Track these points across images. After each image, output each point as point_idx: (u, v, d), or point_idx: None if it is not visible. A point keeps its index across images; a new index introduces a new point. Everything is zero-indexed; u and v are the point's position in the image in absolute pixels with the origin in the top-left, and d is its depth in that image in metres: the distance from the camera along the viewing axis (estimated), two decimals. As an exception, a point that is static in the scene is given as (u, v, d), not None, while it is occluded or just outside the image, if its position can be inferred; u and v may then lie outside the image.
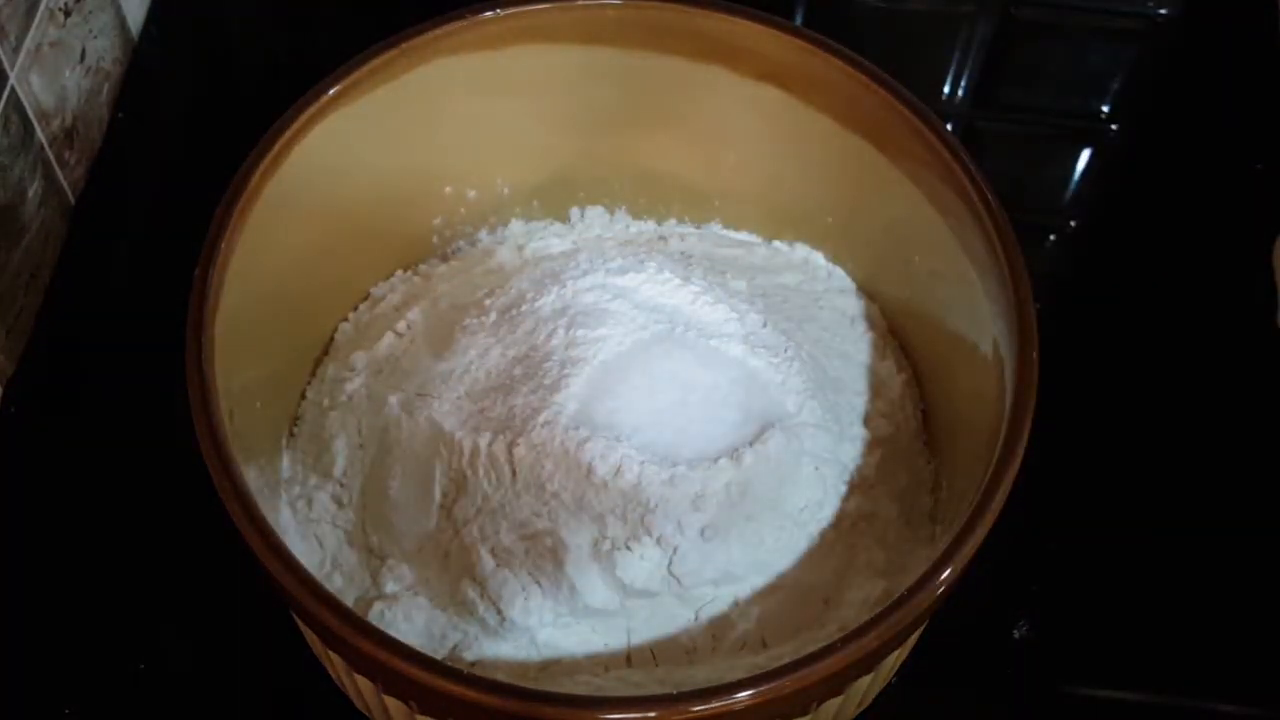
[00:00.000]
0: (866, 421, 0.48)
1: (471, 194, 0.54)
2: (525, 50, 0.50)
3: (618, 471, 0.43)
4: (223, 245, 0.42)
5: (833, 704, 0.39)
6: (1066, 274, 0.60)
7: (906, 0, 0.69)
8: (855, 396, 0.49)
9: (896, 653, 0.41)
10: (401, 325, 0.51)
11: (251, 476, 0.40)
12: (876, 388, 0.50)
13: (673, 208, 0.56)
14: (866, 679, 0.40)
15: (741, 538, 0.43)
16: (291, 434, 0.50)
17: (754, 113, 0.51)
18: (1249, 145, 0.62)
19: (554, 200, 0.55)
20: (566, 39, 0.50)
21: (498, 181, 0.54)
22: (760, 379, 0.46)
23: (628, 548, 0.42)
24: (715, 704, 0.35)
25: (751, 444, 0.44)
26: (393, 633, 0.38)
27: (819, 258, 0.54)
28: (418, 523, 0.45)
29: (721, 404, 0.45)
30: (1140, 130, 0.65)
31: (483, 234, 0.55)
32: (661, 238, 0.55)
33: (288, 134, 0.45)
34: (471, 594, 0.43)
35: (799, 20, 0.67)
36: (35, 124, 0.54)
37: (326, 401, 0.50)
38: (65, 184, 0.58)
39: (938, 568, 0.38)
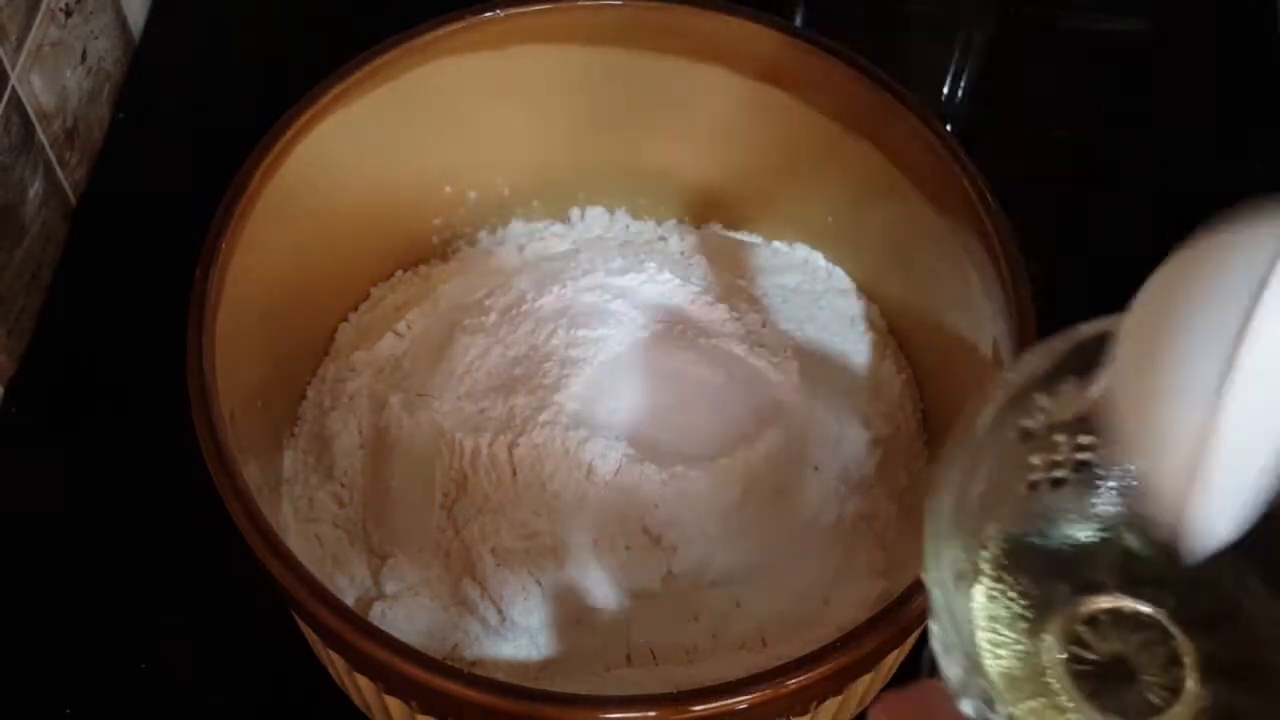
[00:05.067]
0: (866, 422, 0.48)
1: (472, 194, 0.54)
2: (526, 51, 0.50)
3: (618, 471, 0.43)
4: (223, 246, 0.42)
5: (833, 704, 0.39)
6: (1066, 275, 0.60)
7: (907, 1, 0.69)
8: (855, 397, 0.49)
9: (896, 652, 0.41)
10: (402, 326, 0.51)
11: (252, 476, 0.40)
12: (876, 388, 0.50)
13: (673, 208, 0.56)
14: (866, 679, 0.40)
15: (741, 538, 0.43)
16: (293, 434, 0.50)
17: (754, 113, 0.51)
18: (1249, 145, 0.62)
19: (554, 200, 0.55)
20: (567, 39, 0.50)
21: (498, 182, 0.54)
22: (760, 379, 0.46)
23: (627, 548, 0.42)
24: (715, 704, 0.35)
25: (751, 444, 0.44)
26: (393, 632, 0.38)
27: (819, 258, 0.54)
28: (418, 522, 0.45)
29: (722, 404, 0.45)
30: (1140, 130, 0.65)
31: (483, 234, 0.55)
32: (661, 238, 0.55)
33: (288, 134, 0.45)
34: (472, 593, 0.43)
35: (799, 21, 0.67)
36: (36, 124, 0.54)
37: (327, 401, 0.50)
38: (66, 184, 0.58)
39: (937, 567, 0.38)
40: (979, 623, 0.28)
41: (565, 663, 0.43)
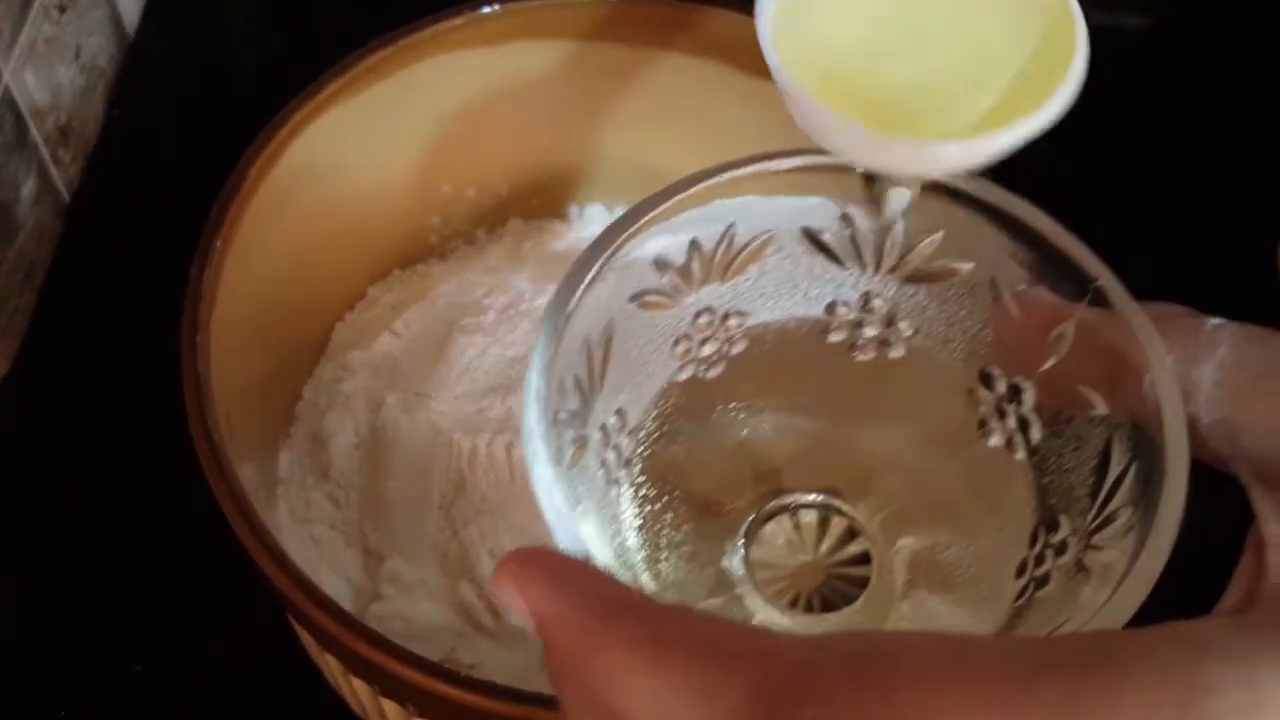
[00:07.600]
0: (867, 421, 0.48)
1: (469, 193, 0.54)
2: (523, 47, 0.49)
3: (617, 472, 0.42)
4: (218, 244, 0.42)
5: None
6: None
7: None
8: (855, 396, 0.49)
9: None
10: (399, 325, 0.50)
11: (248, 477, 0.40)
12: (877, 387, 0.49)
13: (672, 206, 0.55)
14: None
15: (741, 539, 0.43)
16: (289, 434, 0.49)
17: (754, 110, 0.50)
18: (1249, 145, 0.62)
19: (552, 199, 0.55)
20: (565, 36, 0.49)
21: (495, 180, 0.54)
22: (760, 379, 0.46)
23: (627, 549, 0.42)
24: (715, 707, 0.35)
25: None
26: (390, 635, 0.38)
27: (819, 257, 0.54)
28: (416, 523, 0.45)
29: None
30: (1140, 130, 0.65)
31: (481, 233, 0.55)
32: (660, 236, 0.55)
33: (284, 132, 0.45)
34: (470, 595, 0.43)
35: (798, 18, 0.67)
36: (30, 122, 0.54)
37: (324, 401, 0.49)
38: (60, 182, 0.57)
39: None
40: (629, 528, 0.26)
41: (564, 665, 0.43)
